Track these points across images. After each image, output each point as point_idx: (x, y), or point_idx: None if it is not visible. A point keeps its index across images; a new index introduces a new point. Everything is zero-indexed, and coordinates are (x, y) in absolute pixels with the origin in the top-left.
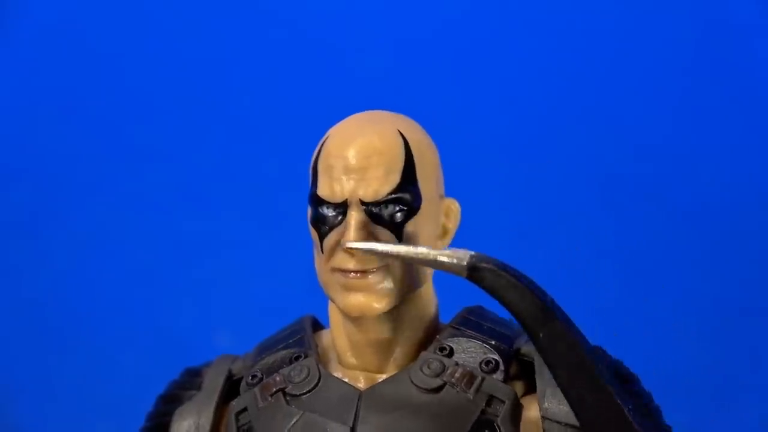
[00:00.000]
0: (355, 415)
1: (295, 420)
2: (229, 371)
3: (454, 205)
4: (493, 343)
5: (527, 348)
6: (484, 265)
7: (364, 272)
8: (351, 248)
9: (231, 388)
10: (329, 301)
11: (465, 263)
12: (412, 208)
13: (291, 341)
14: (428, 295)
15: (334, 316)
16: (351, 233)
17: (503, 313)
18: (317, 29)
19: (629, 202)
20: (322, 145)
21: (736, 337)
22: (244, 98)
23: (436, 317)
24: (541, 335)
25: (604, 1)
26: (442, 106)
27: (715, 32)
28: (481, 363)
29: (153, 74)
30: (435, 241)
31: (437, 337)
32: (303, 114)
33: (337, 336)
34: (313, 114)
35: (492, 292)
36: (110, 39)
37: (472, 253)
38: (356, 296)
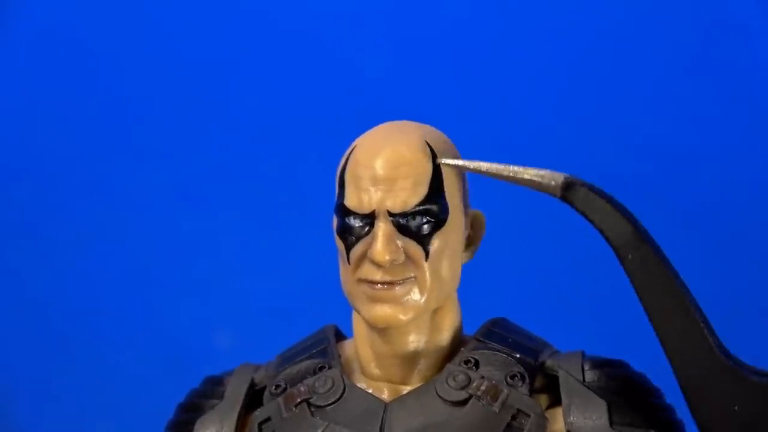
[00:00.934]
0: (381, 427)
1: (320, 431)
2: (252, 380)
3: (480, 217)
4: (518, 356)
5: (552, 361)
6: (578, 186)
7: (391, 284)
8: (444, 164)
9: (253, 397)
10: (353, 312)
11: (560, 182)
12: (439, 220)
13: (315, 351)
14: (454, 307)
15: (359, 327)
16: (378, 245)
17: (530, 327)
18: (317, 29)
19: (630, 202)
20: (350, 154)
21: (735, 338)
22: (243, 98)
23: (461, 329)
24: (629, 257)
25: (605, 1)
26: (443, 108)
27: (716, 32)
28: (506, 376)
29: (152, 74)
30: (461, 253)
31: (462, 349)
32: (302, 113)
33: (360, 347)
34: (313, 114)
35: (584, 212)
36: (109, 39)
37: (567, 174)
38: (382, 307)
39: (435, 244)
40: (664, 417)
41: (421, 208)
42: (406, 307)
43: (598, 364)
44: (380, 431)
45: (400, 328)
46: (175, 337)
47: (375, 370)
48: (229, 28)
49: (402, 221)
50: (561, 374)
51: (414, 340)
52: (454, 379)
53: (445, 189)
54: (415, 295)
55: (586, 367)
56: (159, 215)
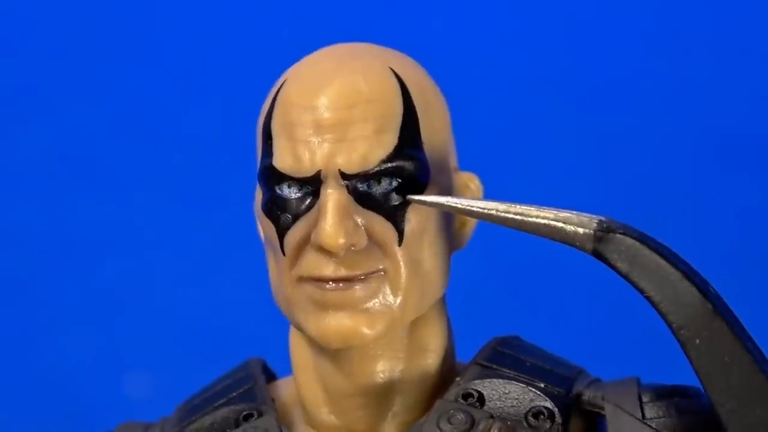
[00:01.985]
0: None
1: None
2: None
3: (473, 183)
4: (541, 385)
5: (592, 393)
6: (618, 235)
7: (348, 281)
8: (413, 200)
9: None
10: (291, 334)
11: (591, 230)
12: (416, 184)
13: (234, 395)
14: (441, 318)
15: (300, 354)
16: (328, 222)
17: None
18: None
19: (630, 202)
20: (276, 94)
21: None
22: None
23: (453, 351)
24: (697, 341)
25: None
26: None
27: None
28: (527, 414)
29: (142, 71)
30: (448, 239)
31: (457, 379)
32: None
33: (304, 383)
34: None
35: (628, 274)
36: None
37: (601, 218)
38: (336, 317)
39: (412, 221)
40: None
41: (388, 165)
42: (371, 316)
43: (662, 394)
44: None
45: (363, 350)
46: (72, 386)
47: (327, 417)
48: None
49: (361, 187)
50: (608, 409)
51: (384, 369)
52: (449, 421)
53: (424, 139)
54: (385, 298)
55: (645, 399)
56: (45, 213)
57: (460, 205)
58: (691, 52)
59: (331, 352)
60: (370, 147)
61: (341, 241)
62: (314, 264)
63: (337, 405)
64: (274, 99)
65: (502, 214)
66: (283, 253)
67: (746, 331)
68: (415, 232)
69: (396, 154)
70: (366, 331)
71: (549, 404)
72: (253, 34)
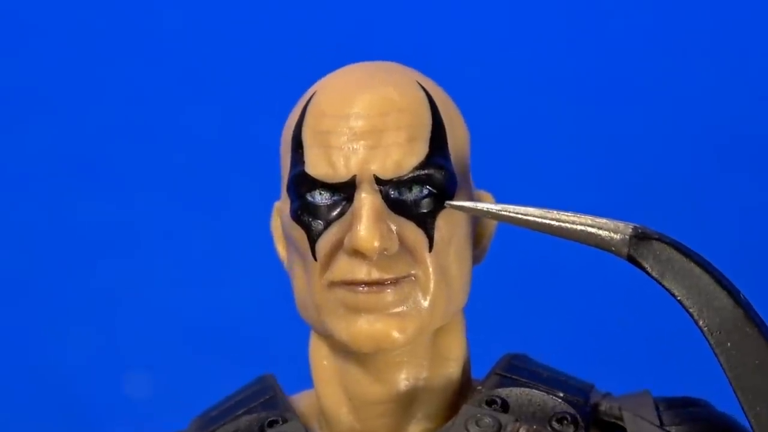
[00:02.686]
0: None
1: None
2: None
3: (488, 201)
4: (561, 395)
5: (609, 404)
6: (653, 241)
7: (380, 284)
8: (452, 206)
9: None
10: (312, 342)
11: (627, 236)
12: (444, 193)
13: (255, 404)
14: (461, 328)
15: (322, 362)
16: (363, 225)
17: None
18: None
19: (630, 202)
20: (307, 104)
21: None
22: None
23: (469, 362)
24: (728, 345)
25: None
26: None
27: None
28: (551, 419)
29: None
30: (469, 249)
31: (479, 387)
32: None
33: (326, 390)
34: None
35: (661, 279)
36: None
37: (636, 224)
38: (368, 320)
39: (442, 228)
40: None
41: (420, 173)
42: (402, 320)
43: (676, 403)
44: None
45: (389, 357)
46: (72, 387)
47: (349, 424)
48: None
49: (393, 193)
50: (627, 417)
51: (409, 376)
52: (477, 424)
53: (450, 150)
54: (416, 302)
55: (661, 408)
56: (45, 212)
57: (496, 210)
58: (691, 52)
59: (357, 359)
60: (403, 154)
61: (376, 244)
62: (347, 268)
63: (360, 412)
64: (304, 110)
65: (539, 220)
66: (315, 259)
67: None
68: (445, 239)
69: (427, 162)
70: (397, 335)
71: (571, 410)
72: (252, 34)
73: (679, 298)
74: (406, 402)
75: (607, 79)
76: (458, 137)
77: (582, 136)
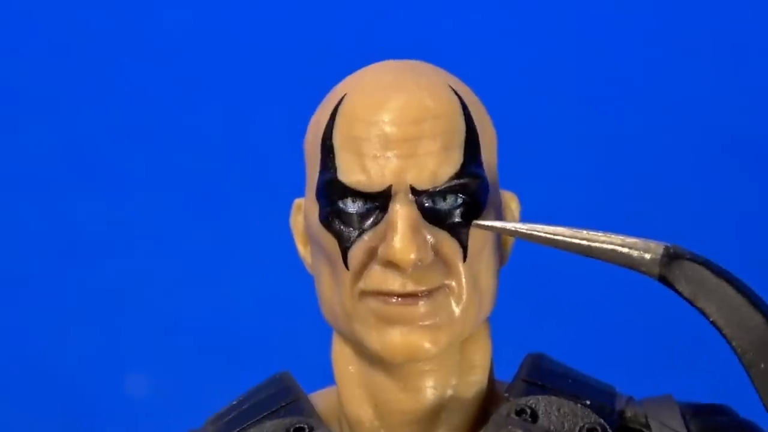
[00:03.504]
0: None
1: None
2: None
3: (513, 202)
4: (588, 402)
5: (634, 410)
6: (685, 260)
7: (413, 296)
8: (480, 226)
9: None
10: (336, 346)
11: (658, 255)
12: (477, 202)
13: (277, 408)
14: (487, 337)
15: (346, 368)
16: (398, 238)
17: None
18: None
19: (632, 203)
20: (337, 108)
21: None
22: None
23: (493, 369)
24: (762, 366)
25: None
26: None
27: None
28: (581, 430)
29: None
30: (497, 255)
31: (505, 395)
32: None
33: (350, 397)
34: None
35: (694, 299)
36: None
37: (667, 244)
38: (400, 332)
39: (474, 237)
40: None
41: (455, 182)
42: (435, 331)
43: (701, 411)
44: None
45: (419, 365)
46: (73, 388)
47: (376, 430)
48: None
49: (428, 203)
50: (655, 426)
51: (437, 384)
52: None
53: (483, 157)
54: (448, 314)
55: (687, 416)
56: (45, 212)
57: (525, 231)
58: (692, 52)
59: (386, 367)
60: (439, 163)
61: (412, 256)
62: (381, 278)
63: (385, 420)
64: (335, 112)
65: (569, 240)
66: (347, 267)
67: None
68: (477, 248)
69: (462, 171)
70: (429, 346)
71: (600, 421)
72: (253, 35)
73: (711, 319)
74: (434, 411)
75: (606, 78)
76: (488, 141)
77: (581, 135)
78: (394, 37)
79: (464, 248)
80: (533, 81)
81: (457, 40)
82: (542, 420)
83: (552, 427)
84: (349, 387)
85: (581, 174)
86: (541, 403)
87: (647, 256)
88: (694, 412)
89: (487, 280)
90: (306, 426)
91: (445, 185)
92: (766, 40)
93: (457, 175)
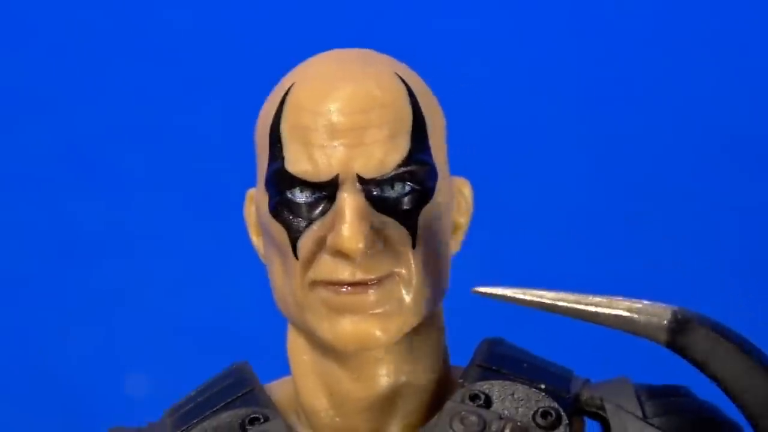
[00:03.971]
0: None
1: None
2: None
3: (465, 188)
4: (542, 386)
5: (590, 393)
6: (695, 326)
7: (363, 284)
8: (480, 293)
9: None
10: (291, 338)
11: (666, 321)
12: (425, 189)
13: (233, 398)
14: (439, 323)
15: (301, 358)
16: (346, 227)
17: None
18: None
19: (632, 202)
20: (284, 98)
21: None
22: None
23: (448, 354)
24: None
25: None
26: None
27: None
28: (534, 414)
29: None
30: (449, 241)
31: (460, 380)
32: None
33: (305, 387)
34: None
35: (703, 364)
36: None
37: (674, 308)
38: (350, 321)
39: (423, 225)
40: None
41: (402, 170)
42: (386, 319)
43: (658, 393)
44: None
45: (371, 353)
46: (73, 387)
47: (330, 420)
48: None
49: (375, 191)
50: (610, 409)
51: (390, 371)
52: (461, 422)
53: (430, 143)
54: (399, 301)
55: (643, 398)
56: (44, 212)
57: (529, 298)
58: (692, 53)
59: (337, 356)
60: (386, 152)
61: (360, 245)
62: (330, 268)
63: (341, 408)
64: (282, 103)
65: (573, 306)
66: (296, 257)
67: None
68: (426, 235)
69: (409, 158)
70: (380, 334)
71: (554, 404)
72: (252, 35)
73: (723, 384)
74: (388, 398)
75: (605, 78)
76: (437, 127)
77: (580, 134)
78: (393, 37)
79: (413, 235)
80: (533, 81)
81: (455, 40)
82: (496, 405)
83: (506, 412)
84: (303, 377)
85: (581, 174)
86: (495, 387)
87: (654, 321)
88: (649, 393)
89: (439, 266)
90: (261, 416)
91: (393, 173)
92: (766, 39)
93: (405, 163)
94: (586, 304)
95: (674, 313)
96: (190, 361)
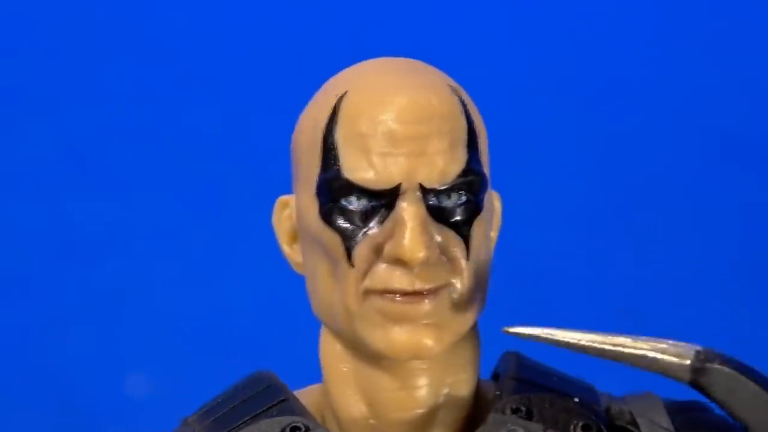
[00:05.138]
0: None
1: None
2: None
3: (497, 201)
4: (577, 400)
5: (619, 408)
6: (717, 366)
7: (419, 294)
8: (511, 332)
9: None
10: (326, 344)
11: (689, 361)
12: (478, 200)
13: (268, 407)
14: (476, 334)
15: (340, 367)
16: (408, 236)
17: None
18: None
19: (632, 202)
20: (338, 104)
21: (736, 336)
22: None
23: (480, 366)
24: None
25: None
26: None
27: (722, 31)
28: (575, 427)
29: (145, 77)
30: (490, 254)
31: (497, 393)
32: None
33: (342, 396)
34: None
35: (725, 403)
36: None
37: (698, 348)
38: (405, 330)
39: (476, 235)
40: None
41: (461, 180)
42: (440, 330)
43: (683, 407)
44: None
45: (417, 366)
46: (73, 387)
47: (371, 430)
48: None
49: (433, 201)
50: (643, 423)
51: (433, 382)
52: None
53: (481, 157)
54: (452, 312)
55: (673, 413)
56: (44, 212)
57: (560, 338)
58: (691, 53)
59: (382, 365)
60: (447, 162)
61: (421, 255)
62: (387, 276)
63: (381, 418)
64: (335, 111)
65: (599, 346)
66: (351, 265)
67: None
68: (478, 245)
69: (468, 169)
70: (433, 344)
71: (593, 417)
72: (251, 36)
73: (746, 423)
74: (430, 409)
75: (604, 78)
76: (483, 139)
77: (581, 135)
78: (391, 39)
79: (468, 246)
80: (533, 81)
81: (455, 40)
82: (537, 417)
83: (548, 425)
84: (341, 386)
85: (581, 174)
86: (534, 400)
87: (677, 361)
88: (678, 408)
89: (486, 276)
90: (302, 425)
91: (452, 183)
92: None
93: (464, 173)
94: (612, 345)
95: (697, 353)
96: (190, 361)
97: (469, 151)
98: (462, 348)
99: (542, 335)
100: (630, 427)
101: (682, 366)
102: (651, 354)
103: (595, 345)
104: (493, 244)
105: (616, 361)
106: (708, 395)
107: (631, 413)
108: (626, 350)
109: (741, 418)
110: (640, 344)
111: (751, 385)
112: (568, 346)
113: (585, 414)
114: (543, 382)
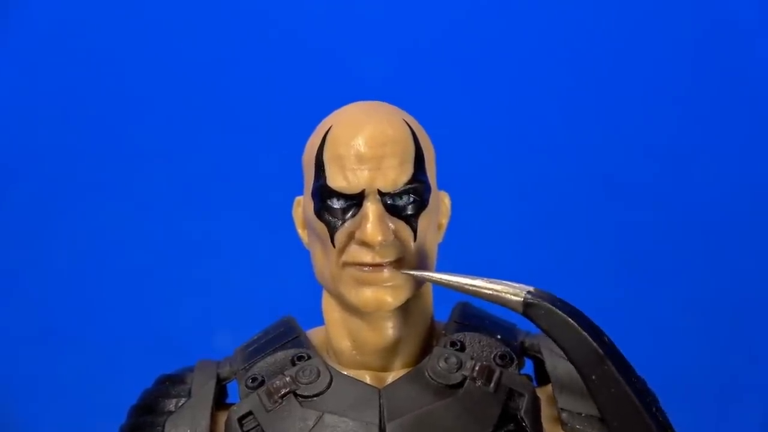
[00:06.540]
0: (380, 414)
1: (314, 422)
2: (218, 376)
3: (447, 199)
4: (499, 337)
5: (531, 341)
6: (540, 302)
7: (379, 266)
8: (408, 274)
9: (218, 393)
10: (325, 299)
11: (521, 299)
12: (423, 200)
13: (285, 342)
14: (429, 291)
15: (333, 315)
16: (370, 225)
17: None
18: (316, 32)
19: (630, 202)
20: (326, 135)
21: (736, 338)
22: (243, 99)
23: (433, 313)
24: (593, 377)
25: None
26: (443, 106)
27: (718, 31)
28: (494, 357)
29: (152, 75)
30: (436, 235)
31: (443, 332)
32: (302, 114)
33: (335, 335)
34: (312, 115)
35: (546, 329)
36: (109, 39)
37: (530, 288)
38: (371, 290)
39: (421, 223)
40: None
41: (408, 186)
42: (393, 290)
43: None
44: (380, 418)
45: (383, 314)
46: (176, 337)
47: (354, 359)
48: (229, 29)
49: (390, 201)
50: (545, 352)
51: (395, 326)
52: (445, 361)
53: (426, 168)
54: (404, 278)
55: None
56: (159, 216)
57: (435, 278)
58: (691, 53)
59: (360, 315)
60: (397, 174)
61: (380, 238)
62: (357, 254)
63: (360, 350)
64: (324, 138)
65: (463, 284)
66: (334, 246)
67: (633, 373)
68: (423, 231)
69: (413, 178)
70: (391, 300)
71: (508, 350)
72: (252, 45)
73: (559, 344)
74: (393, 344)
75: (603, 78)
76: (430, 156)
77: (574, 136)
78: (390, 43)
79: (414, 232)
80: (532, 81)
81: (453, 40)
82: (468, 349)
83: (475, 354)
84: (334, 328)
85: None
86: (467, 337)
87: (513, 298)
88: None
89: (431, 253)
90: (305, 354)
91: (401, 188)
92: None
93: (410, 182)
94: (472, 284)
95: (528, 292)
96: (190, 361)
97: (415, 166)
98: (416, 302)
99: (426, 276)
100: (537, 354)
101: (517, 301)
102: (496, 292)
103: (460, 283)
104: (443, 229)
105: (473, 296)
106: (536, 324)
107: (539, 345)
108: (480, 288)
109: (556, 341)
110: (490, 285)
111: (561, 315)
112: (440, 283)
113: (503, 346)
114: (477, 324)
